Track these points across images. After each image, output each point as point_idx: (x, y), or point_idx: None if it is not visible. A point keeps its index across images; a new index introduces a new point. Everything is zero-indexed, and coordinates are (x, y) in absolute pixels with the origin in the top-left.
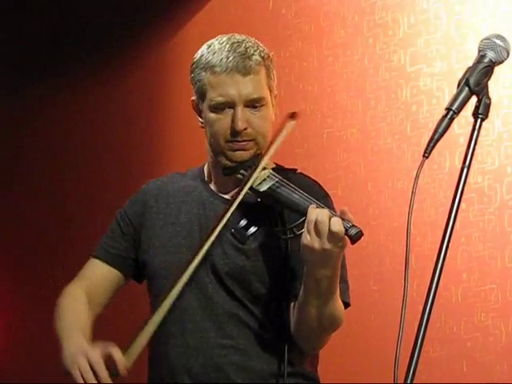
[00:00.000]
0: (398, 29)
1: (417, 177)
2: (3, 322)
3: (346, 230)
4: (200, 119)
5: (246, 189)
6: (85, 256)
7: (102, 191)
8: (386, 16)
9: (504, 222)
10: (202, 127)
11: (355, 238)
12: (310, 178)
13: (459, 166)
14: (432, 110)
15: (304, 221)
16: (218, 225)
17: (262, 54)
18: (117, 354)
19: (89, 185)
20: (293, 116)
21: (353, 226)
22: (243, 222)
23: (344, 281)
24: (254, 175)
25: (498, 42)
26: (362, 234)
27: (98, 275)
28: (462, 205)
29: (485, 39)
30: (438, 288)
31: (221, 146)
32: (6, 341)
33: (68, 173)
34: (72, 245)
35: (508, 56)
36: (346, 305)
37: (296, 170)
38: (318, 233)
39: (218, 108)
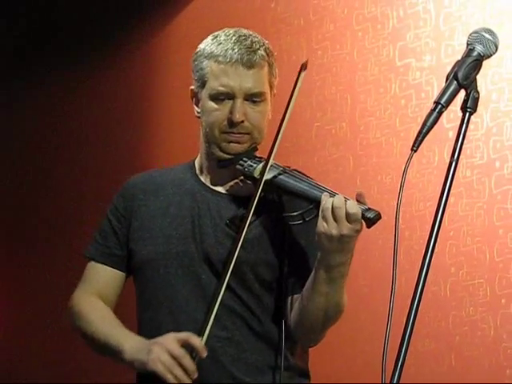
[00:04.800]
0: (387, 23)
1: (405, 171)
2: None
3: (363, 214)
4: (197, 109)
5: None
6: (72, 251)
7: (90, 186)
8: (376, 10)
9: (493, 217)
10: (198, 117)
11: (373, 221)
12: (305, 174)
13: (448, 160)
14: (421, 104)
15: (313, 208)
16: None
17: (267, 51)
18: (195, 340)
19: (76, 180)
20: (305, 66)
21: (369, 208)
22: (239, 212)
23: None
24: (269, 164)
25: (486, 35)
26: (380, 217)
27: (102, 278)
28: (451, 199)
29: (473, 33)
30: (427, 282)
31: (215, 136)
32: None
33: (56, 168)
34: (61, 239)
35: (497, 50)
36: None
37: (289, 167)
38: (335, 218)
39: (217, 98)
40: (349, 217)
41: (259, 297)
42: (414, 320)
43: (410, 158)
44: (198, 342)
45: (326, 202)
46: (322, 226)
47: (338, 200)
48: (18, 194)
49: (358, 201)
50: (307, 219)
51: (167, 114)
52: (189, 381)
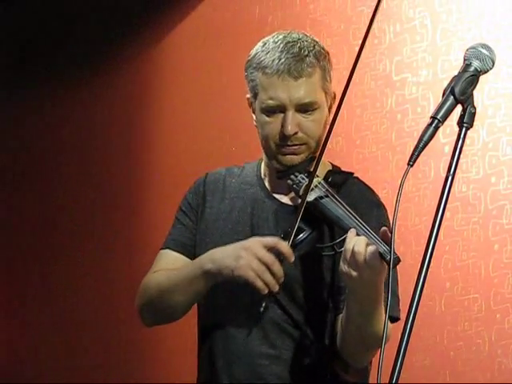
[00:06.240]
0: (383, 37)
1: (401, 185)
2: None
3: (383, 256)
4: (254, 117)
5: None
6: (72, 252)
7: (90, 189)
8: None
9: (488, 232)
10: (256, 126)
11: (392, 265)
12: (365, 184)
13: (444, 175)
14: (417, 118)
15: (344, 239)
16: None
17: (318, 55)
18: (283, 245)
19: (76, 182)
20: None
21: (391, 251)
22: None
23: (394, 295)
24: (312, 185)
25: (483, 51)
26: (399, 261)
27: (173, 264)
28: (447, 214)
29: (470, 48)
30: (422, 297)
31: (271, 149)
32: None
33: (52, 174)
34: (60, 242)
35: (493, 65)
36: (396, 319)
37: (352, 173)
38: (353, 262)
39: (269, 111)
40: (367, 264)
41: (310, 315)
42: (410, 335)
43: (407, 172)
44: (286, 246)
45: (349, 242)
46: (342, 266)
47: (359, 245)
48: (17, 197)
49: (382, 239)
50: (339, 250)
51: (167, 121)
52: (277, 287)
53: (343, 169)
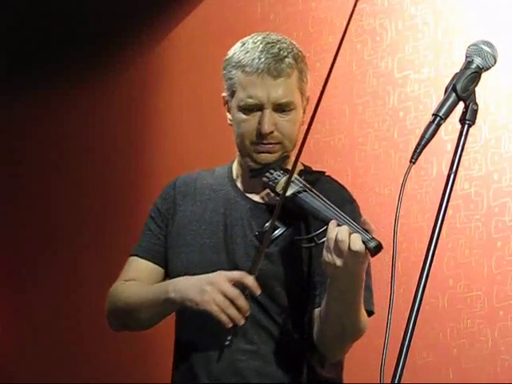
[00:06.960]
0: (385, 35)
1: (404, 183)
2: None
3: (366, 244)
4: (229, 116)
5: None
6: (74, 256)
7: (87, 195)
8: (374, 22)
9: (490, 229)
10: (231, 125)
11: (374, 252)
12: (337, 182)
13: (446, 172)
14: (419, 116)
15: (325, 230)
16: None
17: (296, 57)
18: (248, 279)
19: (74, 188)
20: None
21: (372, 238)
22: (268, 225)
23: (368, 289)
24: (291, 179)
25: (485, 48)
26: (382, 248)
27: (142, 273)
28: (449, 211)
29: (472, 45)
30: (425, 294)
31: (246, 147)
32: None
33: (53, 175)
34: (61, 247)
35: (495, 62)
36: (370, 313)
37: (324, 172)
38: (338, 251)
39: (246, 109)
40: (351, 252)
41: (287, 311)
42: (412, 332)
43: (409, 169)
44: (252, 280)
45: (331, 231)
46: (326, 256)
47: (342, 233)
48: (18, 202)
49: (362, 228)
50: (319, 242)
51: (167, 119)
52: (243, 320)
53: (345, 166)
